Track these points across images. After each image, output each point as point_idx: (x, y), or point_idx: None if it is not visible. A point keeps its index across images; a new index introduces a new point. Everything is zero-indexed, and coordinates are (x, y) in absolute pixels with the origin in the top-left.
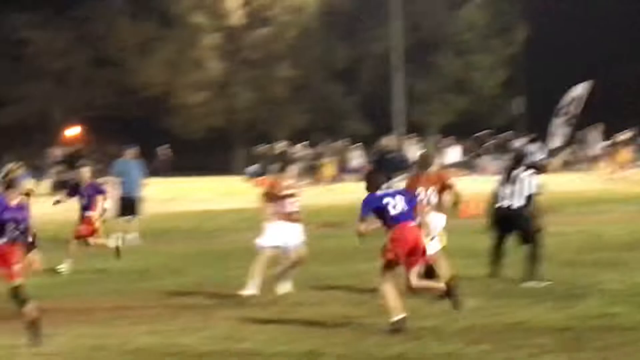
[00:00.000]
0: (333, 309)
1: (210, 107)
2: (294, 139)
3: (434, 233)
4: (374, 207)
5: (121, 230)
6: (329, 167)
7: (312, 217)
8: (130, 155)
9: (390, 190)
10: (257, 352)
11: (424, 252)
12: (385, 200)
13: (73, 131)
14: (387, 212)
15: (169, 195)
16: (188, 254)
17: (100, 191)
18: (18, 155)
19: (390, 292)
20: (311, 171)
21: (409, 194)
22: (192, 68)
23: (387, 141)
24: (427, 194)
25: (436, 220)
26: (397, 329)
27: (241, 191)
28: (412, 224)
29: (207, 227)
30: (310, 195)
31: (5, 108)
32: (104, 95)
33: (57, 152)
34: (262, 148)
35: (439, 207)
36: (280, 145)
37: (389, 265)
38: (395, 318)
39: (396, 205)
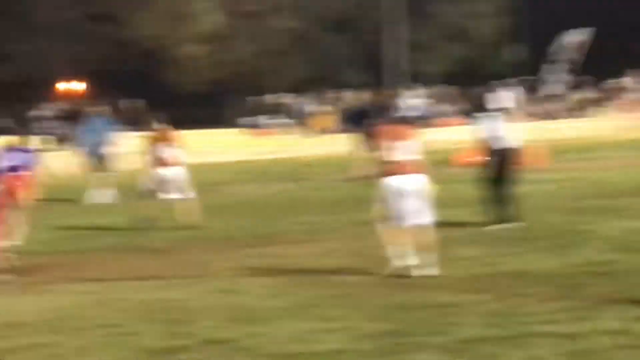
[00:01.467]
0: (331, 261)
1: (208, 60)
2: (293, 91)
3: None
4: None
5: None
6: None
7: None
8: (100, 112)
9: None
10: (248, 307)
11: None
12: None
13: (72, 86)
14: None
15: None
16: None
17: None
18: (14, 111)
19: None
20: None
21: None
22: (189, 20)
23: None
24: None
25: None
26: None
27: (240, 144)
28: None
29: (206, 180)
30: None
31: (3, 64)
32: (98, 50)
33: (57, 108)
34: (261, 99)
35: None
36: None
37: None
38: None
39: None
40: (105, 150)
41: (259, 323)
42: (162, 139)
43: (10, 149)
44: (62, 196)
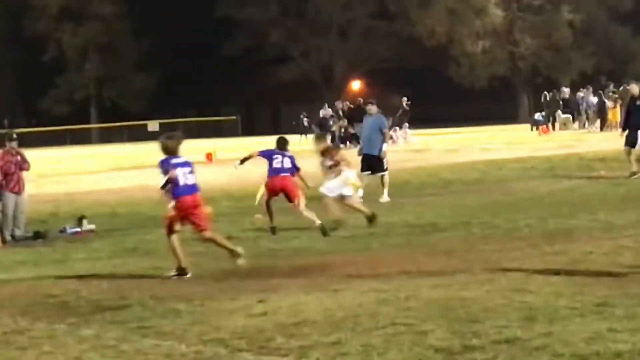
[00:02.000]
0: (625, 259)
1: (493, 55)
2: (578, 84)
3: None
4: None
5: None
6: (615, 113)
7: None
8: (372, 110)
9: None
10: (539, 307)
11: None
12: None
13: (355, 84)
14: None
15: (453, 146)
16: (474, 205)
17: None
18: (299, 109)
19: None
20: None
21: None
22: (474, 16)
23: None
24: None
25: None
26: None
27: (527, 139)
28: None
29: (492, 177)
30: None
31: (288, 63)
32: (385, 47)
33: (339, 106)
34: (547, 95)
35: None
36: (565, 92)
37: None
38: None
39: None
40: (379, 149)
41: (551, 322)
42: None
43: (273, 151)
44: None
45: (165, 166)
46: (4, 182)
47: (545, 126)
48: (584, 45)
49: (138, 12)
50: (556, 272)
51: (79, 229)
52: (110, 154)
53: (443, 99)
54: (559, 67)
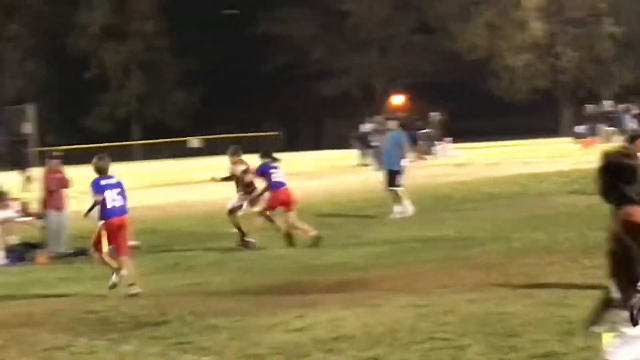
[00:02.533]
0: None
1: (534, 68)
2: (621, 98)
3: None
4: None
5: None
6: None
7: None
8: (392, 126)
9: None
10: (577, 321)
11: None
12: None
13: (397, 100)
14: None
15: (494, 159)
16: (514, 219)
17: None
18: (340, 124)
19: None
20: None
21: None
22: (514, 30)
23: None
24: None
25: None
26: None
27: (569, 153)
28: None
29: (533, 191)
30: None
31: (328, 79)
32: (425, 62)
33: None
34: (589, 107)
35: None
36: (608, 104)
37: None
38: None
39: None
40: (399, 164)
41: (589, 337)
42: None
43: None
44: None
45: (94, 188)
46: (47, 199)
47: (589, 139)
48: (626, 58)
49: (179, 29)
50: (595, 286)
51: None
52: (150, 170)
53: (483, 112)
54: (601, 80)
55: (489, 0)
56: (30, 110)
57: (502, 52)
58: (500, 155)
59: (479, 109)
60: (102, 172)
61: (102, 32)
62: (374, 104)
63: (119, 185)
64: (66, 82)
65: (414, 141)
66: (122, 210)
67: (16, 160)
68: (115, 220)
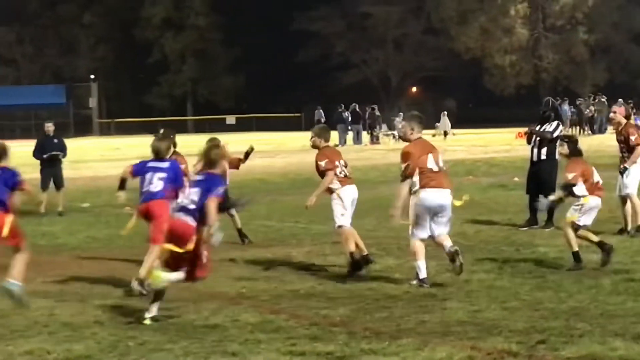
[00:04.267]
0: None
1: (519, 68)
2: (594, 95)
3: None
4: None
5: None
6: None
7: None
8: None
9: None
10: None
11: None
12: None
13: (411, 91)
14: None
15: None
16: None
17: None
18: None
19: None
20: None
21: None
22: (503, 34)
23: None
24: None
25: None
26: None
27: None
28: None
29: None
30: None
31: (351, 70)
32: (432, 59)
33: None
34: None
35: None
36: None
37: None
38: None
39: None
40: None
41: None
42: None
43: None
44: None
45: (135, 167)
46: None
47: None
48: (598, 61)
49: (228, 23)
50: None
51: None
52: (187, 141)
53: (478, 103)
54: (576, 79)
55: (482, 8)
56: (95, 87)
57: (492, 52)
58: (479, 140)
59: (475, 100)
60: (157, 154)
61: (163, 24)
62: (390, 93)
63: (167, 170)
64: (132, 65)
65: None
66: (152, 196)
67: (81, 129)
68: (141, 206)
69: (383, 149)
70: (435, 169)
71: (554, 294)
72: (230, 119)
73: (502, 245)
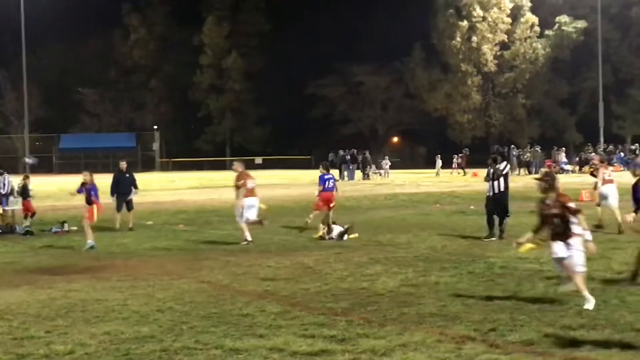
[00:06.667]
0: None
1: (474, 124)
2: (530, 145)
3: None
4: None
5: None
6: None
7: None
8: None
9: None
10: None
11: None
12: None
13: (393, 140)
14: None
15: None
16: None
17: None
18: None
19: None
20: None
21: None
22: (462, 99)
23: None
24: None
25: None
26: None
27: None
28: None
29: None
30: None
31: (349, 124)
32: (409, 116)
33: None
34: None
35: None
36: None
37: None
38: None
39: None
40: None
41: None
42: None
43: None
44: None
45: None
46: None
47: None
48: (533, 120)
49: (257, 88)
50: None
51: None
52: (221, 177)
53: (443, 150)
54: (517, 133)
55: (447, 78)
56: (157, 135)
57: (454, 112)
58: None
59: (441, 148)
60: (327, 170)
61: (209, 88)
62: (378, 142)
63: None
64: (185, 118)
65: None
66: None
67: (146, 166)
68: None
69: (372, 184)
70: None
71: (502, 293)
72: (259, 160)
73: (462, 257)
